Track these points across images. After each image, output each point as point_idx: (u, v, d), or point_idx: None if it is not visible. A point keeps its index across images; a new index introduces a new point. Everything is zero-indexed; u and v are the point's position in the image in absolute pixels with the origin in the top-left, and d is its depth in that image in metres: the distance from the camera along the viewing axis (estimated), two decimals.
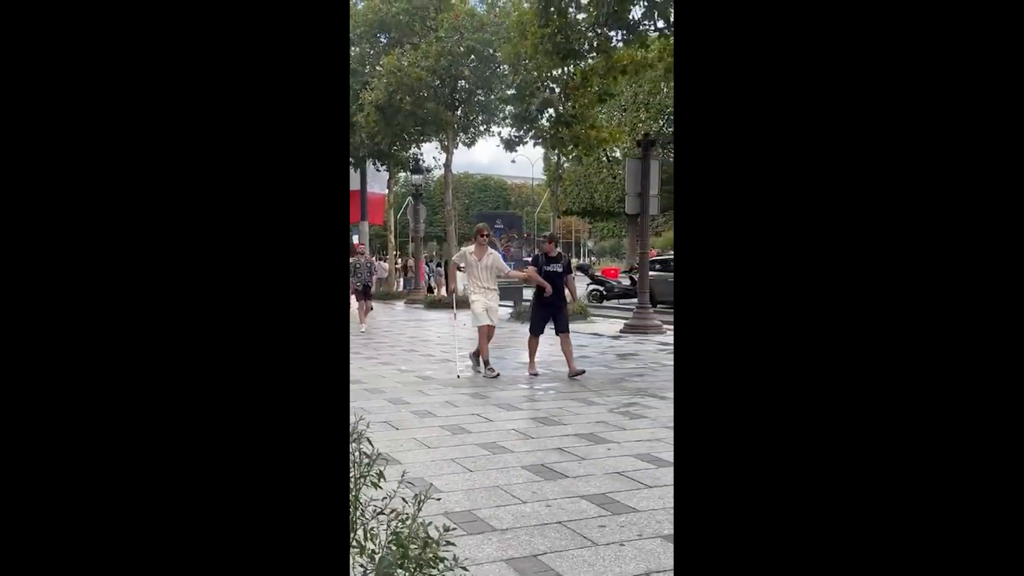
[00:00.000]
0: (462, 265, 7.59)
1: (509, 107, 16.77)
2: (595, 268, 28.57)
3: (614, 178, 31.51)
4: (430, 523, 1.83)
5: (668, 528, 3.08)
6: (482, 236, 7.45)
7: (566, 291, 7.23)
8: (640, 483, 3.72)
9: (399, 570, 1.70)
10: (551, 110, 13.50)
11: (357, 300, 11.33)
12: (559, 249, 7.51)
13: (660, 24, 9.96)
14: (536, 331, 7.24)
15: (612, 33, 10.49)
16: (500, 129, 18.44)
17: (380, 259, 22.30)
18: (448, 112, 18.06)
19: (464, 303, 8.61)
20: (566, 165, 25.52)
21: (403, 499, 1.91)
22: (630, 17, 9.91)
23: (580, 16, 10.44)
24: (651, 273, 13.06)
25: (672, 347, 9.32)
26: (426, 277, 21.28)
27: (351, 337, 6.64)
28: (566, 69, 11.96)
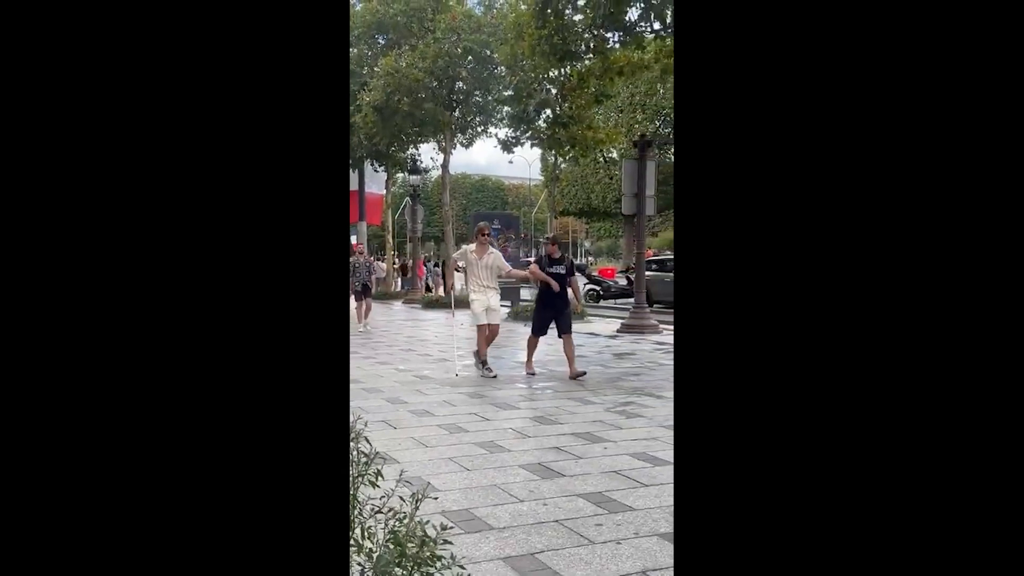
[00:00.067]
0: (461, 264, 7.57)
1: (506, 108, 16.79)
2: (592, 268, 28.59)
3: (611, 179, 31.52)
4: (427, 522, 1.85)
5: (664, 526, 3.10)
6: (483, 235, 7.38)
7: (569, 292, 7.21)
8: (636, 482, 3.74)
9: (397, 568, 1.71)
10: (548, 111, 13.53)
11: (356, 300, 11.35)
12: (562, 251, 7.51)
13: (656, 26, 9.98)
14: (538, 331, 7.19)
15: (608, 35, 10.52)
16: (497, 130, 18.47)
17: (378, 259, 22.27)
18: (446, 113, 18.06)
19: (463, 303, 8.60)
20: (563, 166, 25.49)
21: (401, 498, 1.93)
22: (626, 19, 9.94)
23: (577, 18, 10.47)
24: (647, 273, 13.09)
25: (668, 347, 9.36)
26: (425, 277, 21.27)
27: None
28: (563, 70, 12.00)
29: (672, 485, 3.66)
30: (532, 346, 7.27)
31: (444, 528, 1.81)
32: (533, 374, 7.11)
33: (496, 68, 17.35)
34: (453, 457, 4.19)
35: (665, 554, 2.81)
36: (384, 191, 23.13)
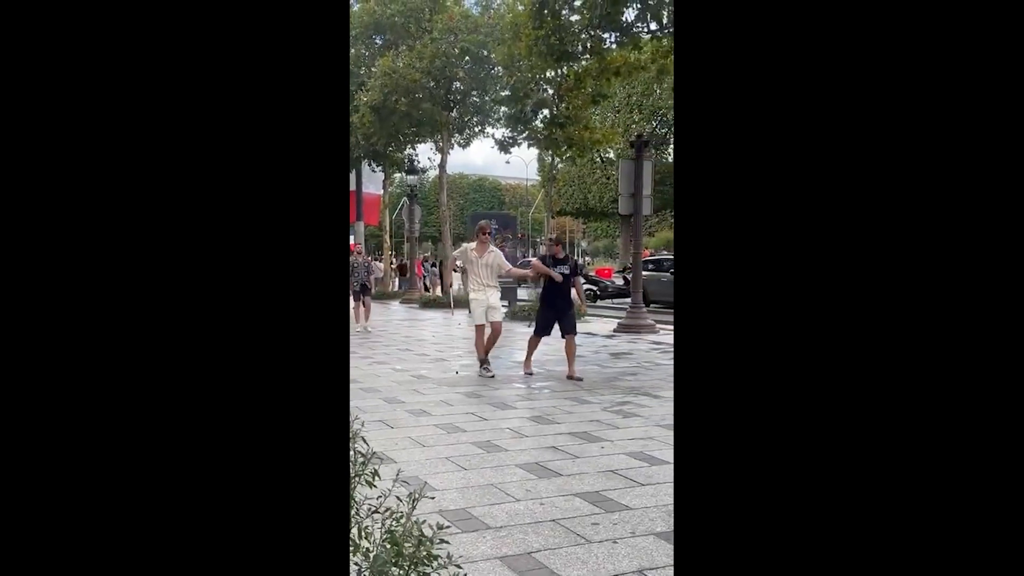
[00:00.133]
0: (460, 263, 7.53)
1: (503, 108, 16.81)
2: (589, 268, 28.61)
3: (607, 179, 31.55)
4: (424, 521, 1.86)
5: (661, 526, 3.11)
6: (484, 234, 7.31)
7: (573, 293, 7.16)
8: (633, 481, 3.75)
9: (393, 568, 1.72)
10: (545, 111, 13.55)
11: (354, 300, 11.33)
12: (566, 251, 7.49)
13: (653, 26, 10.00)
14: (541, 332, 7.10)
15: (605, 35, 10.54)
16: (494, 130, 18.51)
17: (375, 259, 22.26)
18: (443, 113, 18.08)
19: (463, 302, 8.58)
20: (560, 166, 25.51)
21: (397, 497, 1.94)
22: (623, 19, 9.96)
23: (574, 18, 10.49)
24: (644, 273, 13.12)
25: (665, 346, 9.37)
26: (424, 276, 21.27)
27: None
28: (560, 71, 12.02)
29: (668, 484, 3.68)
30: (532, 346, 7.22)
31: (441, 527, 1.82)
32: (531, 374, 7.10)
33: (493, 68, 17.37)
34: (450, 457, 4.20)
35: (661, 553, 2.82)
36: (381, 191, 23.13)
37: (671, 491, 3.53)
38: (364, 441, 2.00)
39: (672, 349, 8.78)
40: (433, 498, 3.28)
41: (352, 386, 6.36)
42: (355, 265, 11.24)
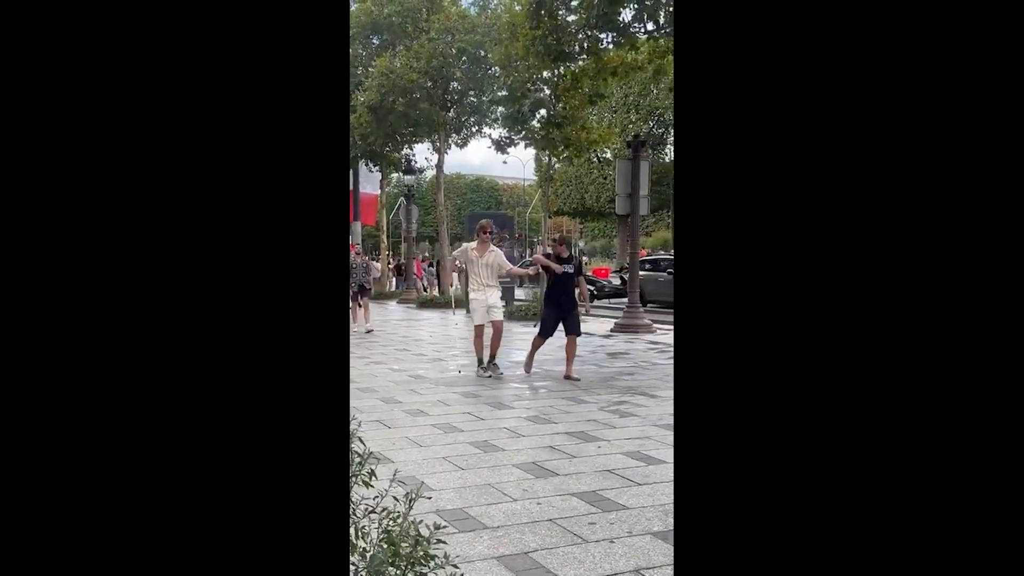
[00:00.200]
0: (459, 262, 7.53)
1: (500, 108, 16.77)
2: (586, 268, 28.60)
3: (604, 179, 31.58)
4: (421, 521, 1.86)
5: (658, 525, 3.12)
6: (485, 233, 7.26)
7: (577, 292, 7.12)
8: (630, 481, 3.76)
9: (390, 568, 1.72)
10: (542, 111, 13.55)
11: (353, 301, 11.32)
12: (569, 251, 7.48)
13: (650, 26, 10.02)
14: (545, 332, 7.05)
15: (602, 35, 10.56)
16: (492, 130, 18.47)
17: (373, 259, 22.26)
18: (440, 113, 18.07)
19: (462, 302, 8.57)
20: (557, 166, 25.47)
21: (395, 497, 1.94)
22: (620, 19, 9.98)
23: (571, 18, 10.50)
24: (641, 273, 13.14)
25: (662, 346, 9.37)
26: (423, 276, 21.28)
27: None
28: (557, 71, 12.03)
29: (665, 484, 3.69)
30: (535, 346, 7.18)
31: (438, 527, 1.82)
32: (530, 374, 7.11)
33: (490, 68, 17.36)
34: (447, 456, 4.20)
35: (659, 552, 2.83)
36: (379, 191, 23.11)
37: (668, 490, 3.54)
38: (361, 441, 2.00)
39: (669, 349, 8.82)
40: (430, 498, 3.29)
41: (350, 386, 6.36)
42: (354, 265, 11.23)
